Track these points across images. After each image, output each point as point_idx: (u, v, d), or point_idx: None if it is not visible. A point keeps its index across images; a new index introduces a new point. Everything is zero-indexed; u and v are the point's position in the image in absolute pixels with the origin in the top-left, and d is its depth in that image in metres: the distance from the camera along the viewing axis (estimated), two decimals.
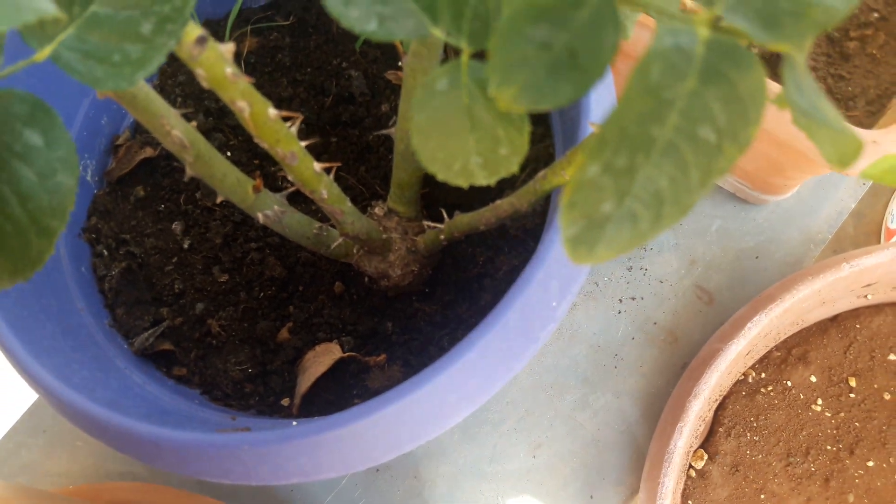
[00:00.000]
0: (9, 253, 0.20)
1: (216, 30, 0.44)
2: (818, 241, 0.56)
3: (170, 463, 0.29)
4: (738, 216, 0.56)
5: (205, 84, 0.24)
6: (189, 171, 0.30)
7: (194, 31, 0.22)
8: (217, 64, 0.24)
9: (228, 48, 0.24)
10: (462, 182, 0.22)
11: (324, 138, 0.42)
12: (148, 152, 0.42)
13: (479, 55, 0.19)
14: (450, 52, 0.38)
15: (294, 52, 0.43)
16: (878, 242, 0.62)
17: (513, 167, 0.22)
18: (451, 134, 0.21)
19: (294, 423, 0.33)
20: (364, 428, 0.28)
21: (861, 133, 0.38)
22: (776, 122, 0.40)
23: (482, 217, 0.33)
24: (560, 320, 0.31)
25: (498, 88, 0.17)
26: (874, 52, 0.46)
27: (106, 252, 0.40)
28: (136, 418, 0.29)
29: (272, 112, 0.27)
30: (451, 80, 0.20)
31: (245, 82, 0.25)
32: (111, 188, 0.42)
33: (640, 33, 0.43)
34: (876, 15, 0.47)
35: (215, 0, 0.45)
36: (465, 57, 0.19)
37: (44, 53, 0.20)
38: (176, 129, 0.28)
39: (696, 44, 0.14)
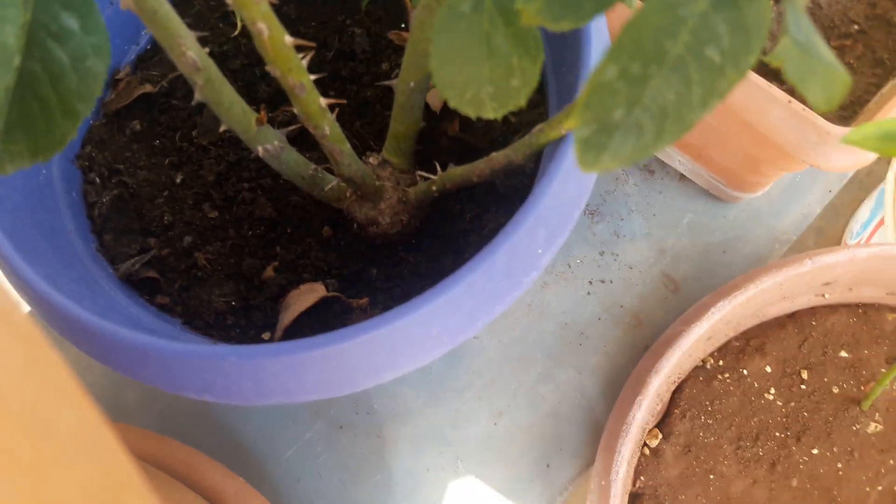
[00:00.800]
0: (33, 131, 0.21)
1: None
2: (783, 241, 0.59)
3: (154, 374, 0.30)
4: (710, 212, 0.59)
5: (243, 17, 0.25)
6: (198, 95, 0.31)
7: None
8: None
9: None
10: (471, 111, 0.24)
11: (322, 91, 0.43)
12: (147, 88, 0.43)
13: None
14: None
15: (299, 4, 0.44)
16: None
17: (521, 100, 0.23)
18: (469, 60, 0.22)
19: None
20: (349, 349, 0.29)
21: (837, 129, 0.41)
22: (758, 115, 0.42)
23: (476, 168, 0.34)
24: (543, 269, 0.32)
25: (525, 1, 0.18)
26: (851, 61, 0.49)
27: (98, 180, 0.40)
28: (124, 325, 0.30)
29: (288, 39, 0.28)
30: (474, 4, 0.21)
31: (266, 4, 0.26)
32: (108, 119, 0.42)
33: None
34: (856, 27, 0.49)
35: None
36: None
37: None
38: (191, 50, 0.29)
39: None
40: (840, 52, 0.49)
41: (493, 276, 0.30)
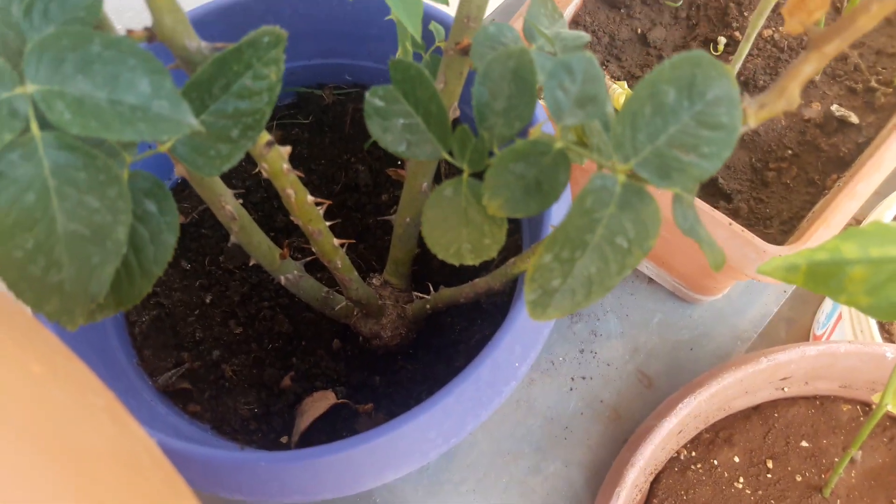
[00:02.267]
0: (118, 290, 0.28)
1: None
2: (744, 338, 0.65)
3: (195, 477, 0.35)
4: (677, 312, 0.65)
5: (265, 174, 0.32)
6: (233, 238, 0.37)
7: (265, 136, 0.31)
8: (277, 160, 0.32)
9: (286, 150, 0.32)
10: (455, 261, 0.30)
11: (331, 219, 0.50)
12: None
13: (474, 174, 0.28)
14: (441, 162, 0.47)
15: (311, 146, 0.52)
16: None
17: (493, 253, 0.30)
18: (451, 227, 0.29)
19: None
20: (357, 455, 0.35)
21: (771, 248, 0.48)
22: None
23: (462, 291, 0.41)
24: (521, 379, 0.38)
25: (489, 200, 0.25)
26: (788, 181, 0.57)
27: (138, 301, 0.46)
28: (169, 436, 0.35)
29: (310, 198, 0.35)
30: (454, 190, 0.28)
31: (294, 175, 0.33)
32: None
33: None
34: (790, 152, 0.57)
35: None
36: (465, 175, 0.28)
37: (166, 146, 0.28)
38: (229, 204, 0.36)
39: (616, 185, 0.23)
40: (778, 173, 0.57)
41: (479, 387, 0.36)
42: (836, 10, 0.62)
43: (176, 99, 0.23)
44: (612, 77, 0.60)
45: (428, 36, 0.41)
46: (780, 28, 0.60)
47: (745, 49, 0.51)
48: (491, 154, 0.27)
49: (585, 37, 0.31)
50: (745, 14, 0.61)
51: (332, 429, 0.43)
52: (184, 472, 0.34)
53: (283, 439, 0.43)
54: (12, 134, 0.21)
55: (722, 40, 0.60)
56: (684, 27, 0.62)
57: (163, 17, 0.25)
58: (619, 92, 0.56)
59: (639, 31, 0.62)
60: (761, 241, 0.48)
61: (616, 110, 0.26)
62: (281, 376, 0.45)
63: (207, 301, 0.47)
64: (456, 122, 0.38)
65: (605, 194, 0.23)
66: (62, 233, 0.22)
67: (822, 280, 0.32)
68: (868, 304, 0.30)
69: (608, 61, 0.61)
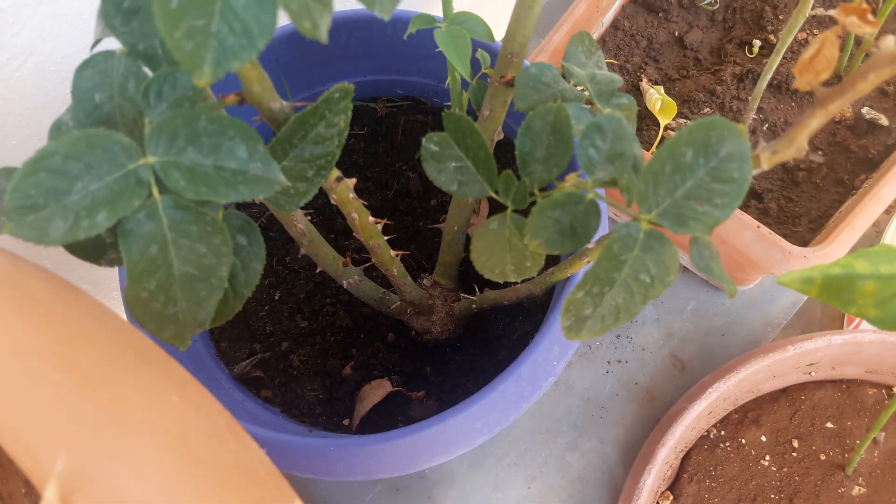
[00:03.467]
0: (216, 311, 0.33)
1: None
2: (775, 325, 0.68)
3: (274, 459, 0.41)
4: (710, 299, 0.68)
5: (333, 201, 0.37)
6: (303, 250, 0.42)
7: (335, 173, 0.35)
8: (345, 191, 0.36)
9: (352, 182, 0.37)
10: (500, 279, 0.35)
11: (385, 228, 0.55)
12: None
13: (518, 211, 0.32)
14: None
15: (366, 154, 0.56)
16: (841, 326, 0.74)
17: (533, 273, 0.34)
18: (496, 253, 0.33)
19: (354, 436, 0.45)
20: (413, 441, 0.40)
21: (796, 250, 0.51)
22: (734, 236, 0.53)
23: (505, 295, 0.45)
24: (559, 374, 0.43)
25: (530, 240, 0.29)
26: (818, 181, 0.59)
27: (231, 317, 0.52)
28: (250, 423, 0.41)
29: (371, 219, 0.39)
30: (499, 223, 0.32)
31: (359, 203, 0.38)
32: None
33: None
34: (820, 152, 0.60)
35: None
36: (509, 211, 0.32)
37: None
38: (300, 223, 0.41)
39: (640, 232, 0.27)
40: (808, 173, 0.59)
41: (520, 384, 0.41)
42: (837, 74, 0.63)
43: (267, 160, 0.27)
44: (650, 80, 0.62)
45: (474, 62, 0.45)
46: (815, 31, 0.62)
47: (779, 54, 0.53)
48: (532, 195, 0.31)
49: (618, 81, 0.35)
50: (781, 17, 0.62)
51: (388, 413, 0.48)
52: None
53: (346, 422, 0.49)
54: (139, 200, 0.26)
55: (757, 43, 0.62)
56: (720, 29, 0.64)
57: (252, 85, 0.29)
58: (656, 97, 0.59)
59: (676, 33, 0.65)
60: (787, 243, 0.51)
61: (642, 156, 0.30)
62: (342, 366, 0.50)
63: (276, 298, 0.52)
64: (499, 144, 0.42)
65: (629, 240, 0.27)
66: (177, 275, 0.27)
67: (836, 292, 0.35)
68: (876, 315, 0.33)
69: (646, 63, 0.64)
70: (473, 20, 0.40)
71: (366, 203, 0.38)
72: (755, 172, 0.29)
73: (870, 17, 0.29)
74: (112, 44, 0.28)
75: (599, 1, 0.61)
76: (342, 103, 0.31)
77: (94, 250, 0.29)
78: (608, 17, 0.64)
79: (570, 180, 0.29)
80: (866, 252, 0.33)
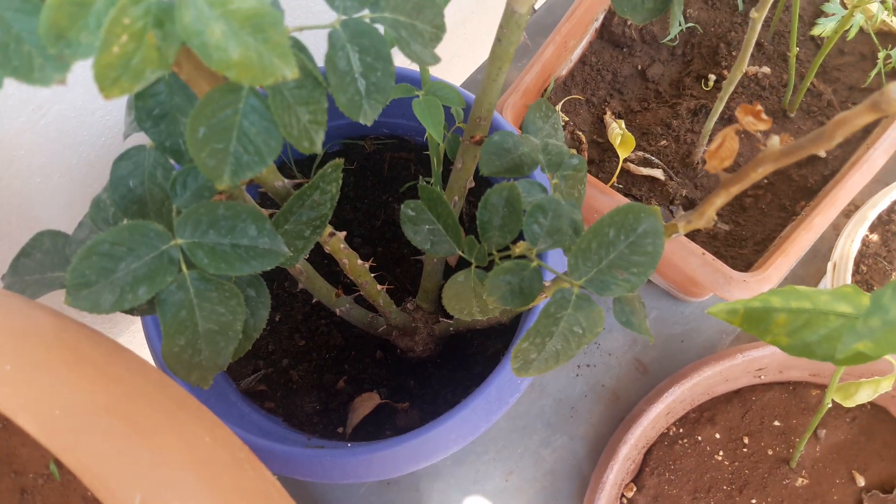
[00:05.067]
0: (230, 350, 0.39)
1: (304, 168, 0.63)
2: (729, 332, 0.75)
3: (278, 466, 0.47)
4: (670, 309, 0.75)
5: (327, 250, 0.43)
6: (300, 285, 0.49)
7: (328, 230, 0.42)
8: (336, 243, 0.43)
9: (342, 235, 0.43)
10: (468, 318, 0.41)
11: (373, 249, 0.61)
12: None
13: (480, 266, 0.39)
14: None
15: (356, 187, 0.63)
16: None
17: (496, 313, 0.41)
18: (464, 299, 0.40)
19: (348, 444, 0.51)
20: (399, 451, 0.46)
21: (736, 275, 0.57)
22: (683, 261, 0.59)
23: (478, 322, 0.52)
24: (523, 391, 0.50)
25: (488, 296, 0.36)
26: (763, 206, 0.66)
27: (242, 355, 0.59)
28: (257, 436, 0.48)
29: (360, 262, 0.46)
30: (465, 277, 0.39)
31: (349, 250, 0.44)
32: None
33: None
34: (766, 181, 0.66)
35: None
36: (473, 267, 0.38)
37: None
38: (298, 264, 0.47)
39: (572, 295, 0.33)
40: (755, 199, 0.66)
41: (489, 401, 0.47)
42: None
43: (273, 235, 0.34)
44: (613, 113, 0.69)
45: (450, 114, 0.51)
46: (764, 67, 0.68)
47: (728, 90, 0.59)
48: (490, 255, 0.38)
49: (566, 151, 0.41)
50: (734, 53, 0.69)
51: (377, 422, 0.55)
52: (270, 463, 0.46)
53: (340, 430, 0.55)
54: (172, 276, 0.32)
55: (712, 77, 0.68)
56: (680, 63, 0.71)
57: (270, 184, 0.35)
58: (617, 131, 0.65)
59: (639, 67, 0.71)
60: (728, 268, 0.57)
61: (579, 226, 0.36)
62: (336, 380, 0.57)
63: (277, 319, 0.59)
64: (471, 191, 0.48)
65: (564, 302, 0.33)
66: (202, 331, 0.34)
67: (755, 323, 0.42)
68: (787, 343, 0.40)
69: (611, 96, 0.70)
70: (446, 89, 0.46)
71: (356, 233, 0.44)
72: (674, 237, 0.35)
73: (763, 116, 0.36)
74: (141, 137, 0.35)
75: (567, 41, 0.67)
76: (334, 174, 0.38)
77: (129, 311, 0.36)
78: (576, 54, 0.70)
79: (520, 247, 0.36)
80: (779, 290, 0.40)
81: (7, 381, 0.25)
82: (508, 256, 0.36)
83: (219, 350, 0.35)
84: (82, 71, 0.56)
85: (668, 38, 0.71)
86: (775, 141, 0.33)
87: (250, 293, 0.39)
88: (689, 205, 0.65)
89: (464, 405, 0.46)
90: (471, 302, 0.40)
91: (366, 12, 0.30)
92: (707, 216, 0.35)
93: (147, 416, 0.28)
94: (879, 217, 0.76)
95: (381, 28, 0.30)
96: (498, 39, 0.38)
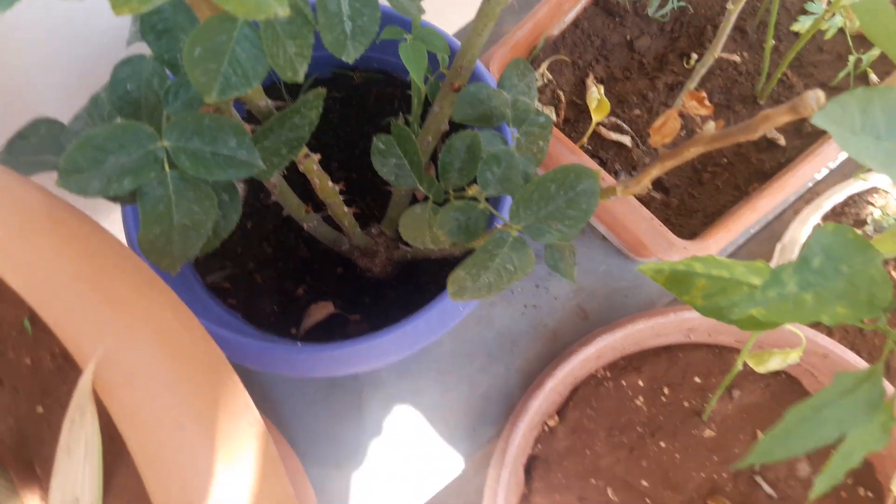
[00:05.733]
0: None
1: (293, 92, 0.66)
2: (669, 293, 0.81)
3: (232, 354, 0.52)
4: (620, 266, 0.80)
5: (301, 170, 0.47)
6: (273, 197, 0.52)
7: (304, 150, 0.45)
8: (310, 164, 0.46)
9: (316, 157, 0.47)
10: (421, 247, 0.45)
11: (348, 175, 0.65)
12: None
13: (436, 203, 0.43)
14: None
15: (341, 116, 0.66)
16: None
17: (446, 245, 0.45)
18: (418, 229, 0.44)
19: (298, 344, 0.56)
20: (354, 351, 0.51)
21: (678, 241, 0.62)
22: (635, 224, 0.64)
23: (433, 252, 0.56)
24: (464, 317, 0.54)
25: (437, 229, 0.40)
26: (719, 184, 0.70)
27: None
28: (216, 325, 0.52)
29: (330, 184, 0.49)
30: (421, 209, 0.43)
31: (321, 172, 0.48)
32: None
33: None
34: (725, 160, 0.70)
35: None
36: (430, 202, 0.42)
37: None
38: (273, 178, 0.51)
39: (510, 237, 0.38)
40: (713, 175, 0.70)
41: (430, 322, 0.52)
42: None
43: (251, 149, 0.37)
44: (596, 77, 0.72)
45: (435, 62, 0.54)
46: (745, 54, 0.71)
47: (700, 71, 0.62)
48: (446, 193, 0.42)
49: (532, 109, 0.45)
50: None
51: (329, 329, 0.60)
52: (227, 350, 0.51)
53: (293, 331, 0.60)
54: (155, 172, 0.36)
55: (694, 56, 0.72)
56: (667, 39, 0.73)
57: (255, 103, 0.39)
58: (596, 96, 0.68)
59: (628, 37, 0.73)
60: (671, 234, 0.62)
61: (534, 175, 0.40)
62: (297, 287, 0.61)
63: (248, 227, 0.63)
64: (446, 134, 0.52)
65: (501, 242, 0.38)
66: (176, 224, 0.37)
67: (677, 283, 0.47)
68: (701, 305, 0.45)
69: (597, 61, 0.73)
70: (433, 36, 0.49)
71: (334, 158, 0.48)
72: (612, 198, 0.40)
73: (706, 103, 0.39)
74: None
75: (563, 3, 0.70)
76: (315, 102, 0.41)
77: (112, 198, 0.39)
78: (570, 17, 0.73)
79: (473, 190, 0.40)
80: (703, 258, 0.44)
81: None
82: (463, 198, 0.40)
83: (189, 243, 0.38)
84: None
85: (660, 13, 0.73)
86: (711, 126, 0.37)
87: (224, 198, 0.42)
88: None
89: (407, 321, 0.51)
90: (424, 232, 0.44)
91: None
92: (642, 184, 0.40)
93: (118, 289, 0.32)
94: (834, 208, 0.81)
95: None
96: None
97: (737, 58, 0.71)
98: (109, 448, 0.37)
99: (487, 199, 0.40)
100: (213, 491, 0.31)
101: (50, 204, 0.36)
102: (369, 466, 0.75)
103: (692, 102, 0.39)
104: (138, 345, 0.32)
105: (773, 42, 0.63)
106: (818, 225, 0.79)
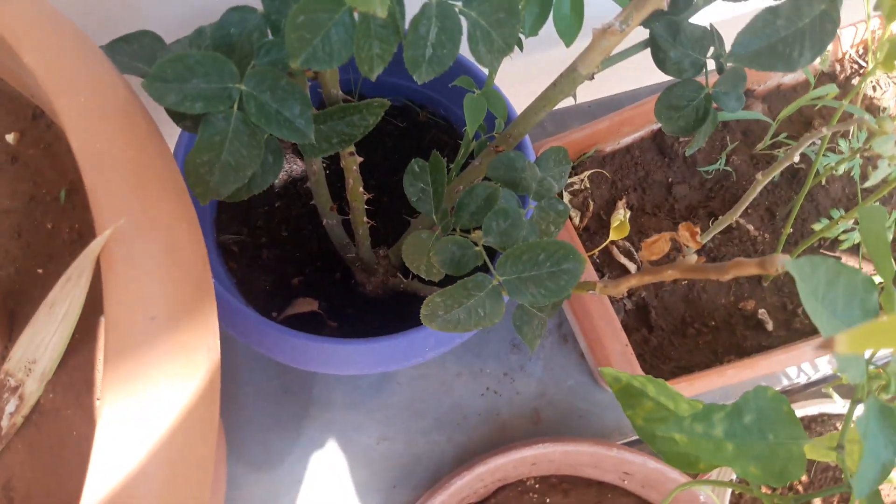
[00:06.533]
0: (234, 191, 0.48)
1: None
2: (623, 432, 0.83)
3: (222, 315, 0.56)
4: (586, 387, 0.83)
5: (342, 165, 0.52)
6: (308, 184, 0.57)
7: (350, 148, 0.50)
8: (351, 162, 0.51)
9: (359, 159, 0.51)
10: (414, 271, 0.49)
11: (380, 195, 0.70)
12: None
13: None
14: None
15: (395, 141, 0.71)
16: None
17: (436, 278, 0.49)
18: (418, 253, 0.48)
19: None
20: (306, 344, 0.54)
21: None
22: (610, 342, 0.67)
23: (422, 289, 0.60)
24: (426, 359, 0.57)
25: (433, 256, 0.44)
26: (700, 343, 0.73)
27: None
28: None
29: (361, 189, 0.54)
30: (427, 236, 0.47)
31: (358, 175, 0.53)
32: None
33: None
34: (713, 323, 0.74)
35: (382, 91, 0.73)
36: (438, 232, 0.47)
37: None
38: (316, 165, 0.56)
39: (490, 284, 0.41)
40: (697, 332, 0.73)
41: (395, 350, 0.55)
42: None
43: (309, 121, 0.42)
44: (627, 203, 0.77)
45: (491, 119, 0.60)
46: (766, 235, 0.76)
47: (716, 228, 0.67)
48: (454, 230, 0.46)
49: (554, 191, 0.49)
50: (749, 211, 0.77)
51: (304, 325, 0.63)
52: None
53: (273, 314, 0.64)
54: (224, 106, 0.41)
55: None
56: (703, 195, 0.79)
57: (325, 75, 0.44)
58: (620, 218, 0.73)
59: (669, 179, 0.79)
60: (639, 368, 0.65)
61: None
62: (294, 276, 0.65)
63: (276, 205, 0.67)
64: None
65: (481, 285, 0.42)
66: (222, 159, 0.42)
67: (628, 397, 0.50)
68: (640, 425, 0.47)
69: (634, 189, 0.78)
70: (498, 99, 0.54)
71: (374, 175, 0.52)
72: (590, 293, 0.44)
73: (697, 239, 0.44)
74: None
75: (623, 126, 0.76)
76: (376, 111, 0.46)
77: (180, 118, 0.44)
78: (625, 141, 0.79)
79: (476, 234, 0.44)
80: (658, 382, 0.47)
81: (78, 86, 0.34)
82: (465, 237, 0.44)
83: (226, 181, 0.43)
84: None
85: (689, 152, 0.79)
86: (692, 258, 0.41)
87: (268, 158, 0.47)
88: (636, 308, 0.73)
89: (375, 340, 0.54)
90: (422, 258, 0.48)
91: (459, 3, 0.38)
92: (619, 289, 0.44)
93: (154, 186, 0.36)
94: (803, 419, 0.83)
95: (464, 21, 0.39)
96: (553, 84, 0.47)
97: (752, 228, 0.76)
98: (82, 325, 0.41)
99: (485, 247, 0.44)
100: (154, 387, 0.34)
101: (130, 97, 0.41)
102: (286, 480, 0.76)
103: (685, 233, 0.43)
104: (150, 236, 0.36)
105: (791, 231, 0.68)
106: (759, 385, 0.81)
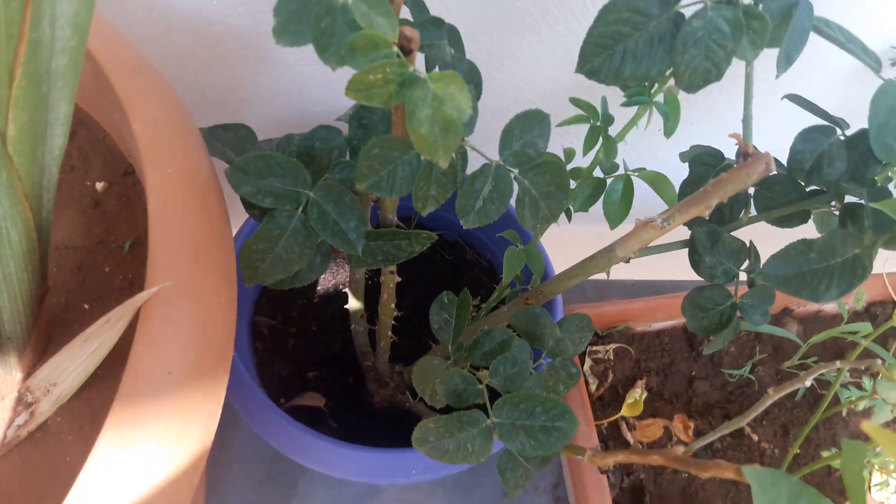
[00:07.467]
0: (278, 280, 0.52)
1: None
2: None
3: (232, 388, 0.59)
4: None
5: (381, 280, 0.56)
6: (347, 288, 0.61)
7: (392, 267, 0.54)
8: (389, 280, 0.55)
9: (398, 279, 0.55)
10: (421, 394, 0.52)
11: (410, 317, 0.74)
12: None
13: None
14: None
15: (438, 271, 0.76)
16: None
17: (438, 406, 0.51)
18: (427, 378, 0.50)
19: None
20: (304, 438, 0.56)
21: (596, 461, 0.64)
22: (591, 498, 0.67)
23: (425, 413, 0.62)
24: (411, 482, 0.59)
25: (439, 384, 0.46)
26: None
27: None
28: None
29: (393, 305, 0.58)
30: (439, 363, 0.50)
31: (393, 293, 0.56)
32: None
33: None
34: None
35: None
36: (450, 362, 0.49)
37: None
38: (358, 275, 0.60)
39: (485, 422, 0.44)
40: None
41: (381, 466, 0.57)
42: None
43: (360, 235, 0.46)
44: (646, 385, 0.78)
45: (528, 273, 0.64)
46: (776, 450, 0.76)
47: (722, 430, 0.67)
48: (464, 365, 0.49)
49: (569, 352, 0.52)
50: (764, 422, 0.77)
51: (307, 419, 0.65)
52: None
53: (281, 400, 0.66)
54: (290, 207, 0.45)
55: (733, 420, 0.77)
56: (723, 396, 0.80)
57: (386, 203, 0.49)
58: (636, 397, 0.74)
59: (693, 373, 0.81)
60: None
61: None
62: (310, 370, 0.68)
63: (314, 301, 0.72)
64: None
65: (475, 422, 0.44)
66: (275, 252, 0.46)
67: None
68: None
69: (657, 373, 0.80)
70: (536, 258, 0.58)
71: (410, 296, 0.56)
72: (580, 458, 0.45)
73: (689, 433, 0.45)
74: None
75: (656, 312, 0.79)
76: (423, 241, 0.51)
77: (250, 206, 0.49)
78: (657, 325, 0.81)
79: (484, 374, 0.47)
80: None
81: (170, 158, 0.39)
82: (472, 374, 0.47)
83: (273, 271, 0.47)
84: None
85: (706, 351, 0.80)
86: (679, 450, 0.43)
87: (316, 259, 0.51)
88: (632, 488, 0.73)
89: (363, 449, 0.56)
90: (429, 383, 0.50)
91: (515, 171, 0.43)
92: (606, 462, 0.45)
93: (209, 261, 0.41)
94: None
95: (516, 186, 0.43)
96: (591, 258, 0.50)
97: (755, 436, 0.75)
98: (106, 364, 0.45)
99: (489, 388, 0.46)
100: (146, 445, 0.36)
101: (210, 178, 0.47)
102: None
103: (678, 424, 0.44)
104: (189, 303, 0.40)
105: (800, 452, 0.68)
106: None
